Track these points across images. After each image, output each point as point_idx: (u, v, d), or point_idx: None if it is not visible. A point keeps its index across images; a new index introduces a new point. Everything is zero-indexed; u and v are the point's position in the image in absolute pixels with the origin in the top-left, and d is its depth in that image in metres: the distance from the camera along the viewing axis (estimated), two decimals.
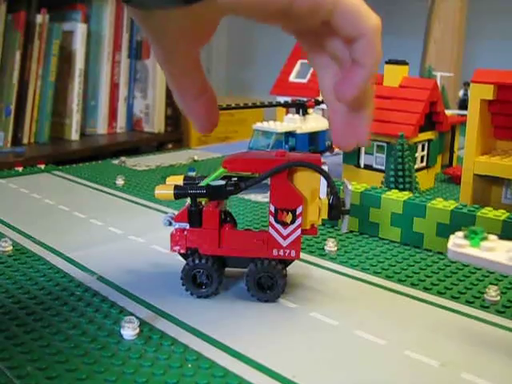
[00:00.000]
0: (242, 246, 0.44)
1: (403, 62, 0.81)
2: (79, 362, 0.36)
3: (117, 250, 0.56)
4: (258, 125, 0.82)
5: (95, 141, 1.70)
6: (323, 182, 0.44)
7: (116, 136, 1.78)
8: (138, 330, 0.39)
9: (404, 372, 0.36)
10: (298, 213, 0.43)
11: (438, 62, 1.62)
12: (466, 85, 1.34)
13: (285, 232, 0.44)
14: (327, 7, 0.36)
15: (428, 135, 0.79)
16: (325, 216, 0.45)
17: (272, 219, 0.44)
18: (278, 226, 0.44)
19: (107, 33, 1.70)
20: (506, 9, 1.86)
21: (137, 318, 0.40)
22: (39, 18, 1.54)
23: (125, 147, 1.68)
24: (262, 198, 0.75)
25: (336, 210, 0.44)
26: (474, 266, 0.53)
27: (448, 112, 0.95)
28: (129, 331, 0.39)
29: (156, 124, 1.82)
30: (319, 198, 0.44)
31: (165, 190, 0.44)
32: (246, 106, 0.81)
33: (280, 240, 0.44)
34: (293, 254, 0.44)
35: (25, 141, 1.58)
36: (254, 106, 0.82)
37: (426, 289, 0.48)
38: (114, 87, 1.77)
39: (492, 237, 0.28)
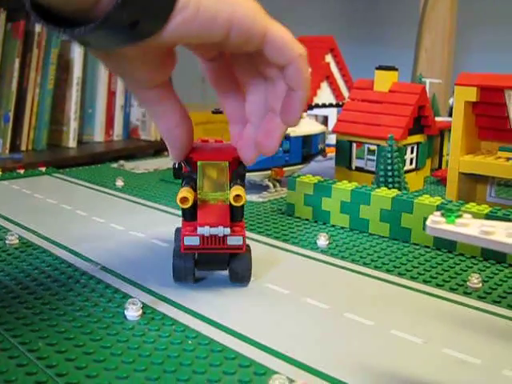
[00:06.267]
0: None
1: (393, 68, 0.84)
2: (86, 339, 0.38)
3: (119, 244, 0.58)
4: None
5: (92, 148, 1.73)
6: None
7: (113, 143, 1.81)
8: (140, 312, 0.42)
9: (390, 347, 0.39)
10: None
11: (428, 70, 1.66)
12: None
13: None
14: (258, 39, 0.40)
15: (417, 138, 0.82)
16: None
17: None
18: None
19: None
20: (495, 19, 1.91)
21: (139, 301, 0.43)
22: (38, 27, 1.57)
23: (121, 155, 1.70)
24: (257, 198, 0.77)
25: None
26: (459, 255, 0.56)
27: (438, 119, 0.98)
28: (132, 312, 0.41)
29: (152, 132, 1.84)
30: None
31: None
32: None
33: None
34: None
35: (23, 148, 1.61)
36: None
37: (412, 278, 0.51)
38: (111, 95, 1.79)
39: (466, 215, 0.31)
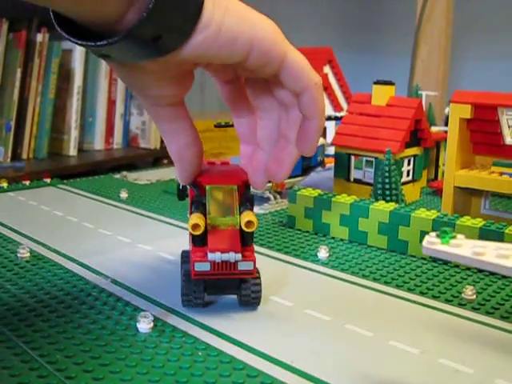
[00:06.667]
0: None
1: (390, 83, 0.86)
2: (102, 351, 0.40)
3: (127, 256, 0.60)
4: None
5: (93, 156, 1.75)
6: None
7: (113, 152, 1.82)
8: (152, 324, 0.44)
9: (388, 358, 0.41)
10: None
11: (424, 81, 1.68)
12: None
13: None
14: (276, 63, 0.41)
15: (413, 151, 0.85)
16: None
17: None
18: None
19: None
20: (490, 30, 1.94)
21: (151, 314, 0.45)
22: (39, 37, 1.59)
23: (121, 163, 1.71)
24: (259, 209, 0.80)
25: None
26: (454, 267, 0.58)
27: (435, 128, 1.00)
28: (144, 325, 0.43)
29: (152, 140, 1.86)
30: None
31: None
32: None
33: None
34: None
35: (24, 156, 1.63)
36: None
37: (409, 289, 0.53)
38: (111, 104, 1.81)
39: (460, 236, 0.33)
